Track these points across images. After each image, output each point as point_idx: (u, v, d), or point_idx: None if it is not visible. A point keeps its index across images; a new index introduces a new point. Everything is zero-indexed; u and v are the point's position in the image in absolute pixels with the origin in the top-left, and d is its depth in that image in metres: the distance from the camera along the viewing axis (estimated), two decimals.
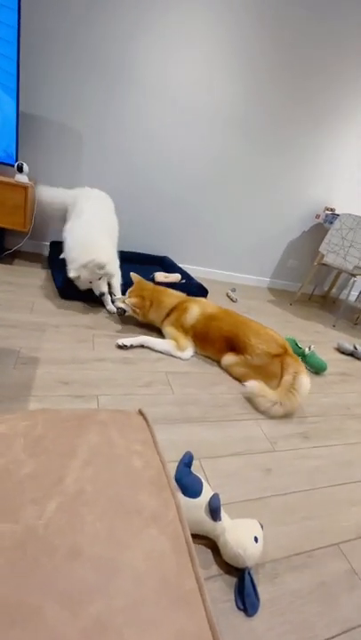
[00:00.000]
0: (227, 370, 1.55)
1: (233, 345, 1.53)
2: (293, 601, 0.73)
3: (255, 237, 3.00)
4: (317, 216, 3.05)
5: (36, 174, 2.19)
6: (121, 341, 1.51)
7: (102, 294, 1.71)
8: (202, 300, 1.75)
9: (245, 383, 1.38)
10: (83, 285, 1.71)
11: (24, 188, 1.89)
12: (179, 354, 1.56)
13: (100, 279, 1.68)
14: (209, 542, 0.79)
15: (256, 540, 0.75)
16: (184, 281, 2.13)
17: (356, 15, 2.32)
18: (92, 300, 1.87)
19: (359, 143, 2.84)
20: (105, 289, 1.70)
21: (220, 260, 3.01)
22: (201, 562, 0.75)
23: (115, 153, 2.29)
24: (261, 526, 0.79)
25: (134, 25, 1.97)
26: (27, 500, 0.29)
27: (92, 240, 1.67)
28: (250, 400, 1.37)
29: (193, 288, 2.11)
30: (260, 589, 0.73)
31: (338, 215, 2.75)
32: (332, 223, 2.82)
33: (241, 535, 0.75)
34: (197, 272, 2.95)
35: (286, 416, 1.34)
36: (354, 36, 2.39)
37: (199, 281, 2.35)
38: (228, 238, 2.92)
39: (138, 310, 1.66)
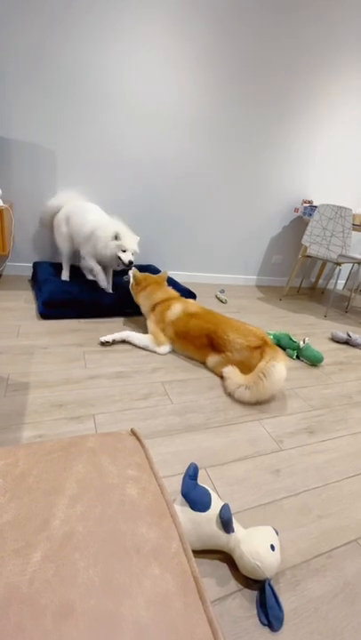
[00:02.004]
0: (213, 371, 1.53)
1: (213, 343, 1.52)
2: (318, 607, 0.69)
3: (237, 237, 3.00)
4: (296, 210, 3.08)
5: (12, 197, 2.16)
6: (103, 338, 1.59)
7: (131, 262, 1.84)
8: (189, 300, 1.76)
9: (223, 369, 1.42)
10: (114, 251, 1.82)
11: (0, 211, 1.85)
12: (156, 348, 1.63)
13: (130, 252, 1.84)
14: (225, 556, 0.76)
15: (273, 548, 0.72)
16: (170, 287, 2.10)
17: (316, 12, 2.37)
18: (77, 315, 1.84)
19: (327, 136, 2.88)
20: (132, 259, 1.85)
21: (206, 263, 3.00)
22: (218, 578, 0.72)
23: (89, 168, 2.27)
24: (277, 532, 0.76)
25: (96, 41, 1.97)
26: (8, 552, 0.25)
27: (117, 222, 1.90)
28: (222, 386, 1.40)
29: (181, 293, 2.09)
30: (282, 599, 0.70)
31: (316, 207, 2.78)
32: (311, 215, 2.84)
33: (257, 545, 0.71)
34: (184, 277, 2.93)
35: (260, 404, 1.34)
36: (317, 32, 2.44)
37: (187, 286, 2.33)
38: (211, 241, 2.91)
39: (135, 285, 1.83)
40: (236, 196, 2.81)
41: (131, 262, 1.83)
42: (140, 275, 1.84)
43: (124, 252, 1.81)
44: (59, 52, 1.93)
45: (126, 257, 1.82)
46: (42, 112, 2.04)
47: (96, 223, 1.88)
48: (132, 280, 1.86)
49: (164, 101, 2.27)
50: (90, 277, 2.13)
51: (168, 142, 2.40)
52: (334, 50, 2.57)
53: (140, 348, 1.65)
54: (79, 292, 1.91)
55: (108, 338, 1.60)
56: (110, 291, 2.02)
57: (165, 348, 1.64)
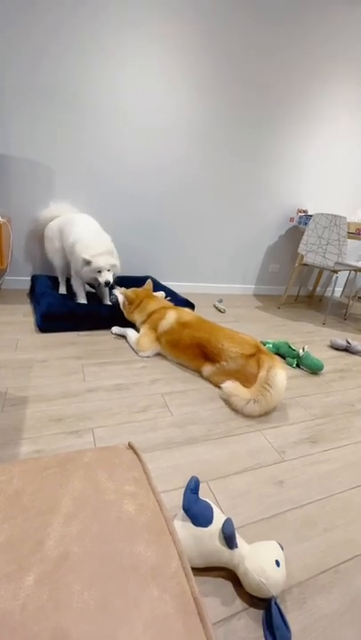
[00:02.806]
0: (209, 381, 1.52)
1: (207, 352, 1.51)
2: (327, 626, 0.67)
3: (234, 247, 3.03)
4: (291, 219, 3.12)
5: (10, 211, 2.18)
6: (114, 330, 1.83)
7: (108, 283, 1.79)
8: (184, 309, 1.76)
9: (222, 385, 1.38)
10: (90, 274, 1.79)
11: None
12: (138, 350, 1.67)
13: (108, 270, 1.79)
14: (228, 574, 0.73)
15: (278, 563, 0.69)
16: (169, 298, 2.11)
17: (308, 28, 2.46)
18: (75, 328, 1.84)
19: (320, 148, 2.95)
20: (111, 279, 1.80)
21: (204, 273, 3.02)
22: (222, 597, 0.69)
23: (86, 181, 2.31)
24: (281, 547, 0.74)
25: (92, 56, 2.03)
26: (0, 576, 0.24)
27: (105, 236, 1.87)
28: (226, 401, 1.36)
29: (179, 304, 2.09)
30: (289, 618, 0.67)
31: (311, 216, 2.81)
32: (306, 224, 2.88)
33: (261, 561, 0.69)
34: (183, 288, 2.94)
35: (266, 414, 1.32)
36: (309, 48, 2.52)
37: (185, 296, 2.34)
38: (208, 251, 2.94)
39: (127, 304, 1.80)
40: (232, 207, 2.85)
41: (108, 283, 1.77)
42: (131, 293, 1.81)
43: (100, 272, 1.76)
44: (55, 68, 1.99)
45: (102, 278, 1.76)
46: (39, 128, 2.08)
47: (76, 236, 1.82)
48: (122, 300, 1.82)
49: (161, 115, 2.32)
50: (89, 290, 2.12)
51: (165, 155, 2.44)
52: (325, 65, 2.66)
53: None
54: (77, 305, 1.91)
55: (115, 330, 1.83)
56: (108, 302, 2.02)
57: (147, 353, 1.66)
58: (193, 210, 2.71)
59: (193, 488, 0.77)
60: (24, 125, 2.05)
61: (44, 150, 2.14)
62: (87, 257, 1.71)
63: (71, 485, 0.33)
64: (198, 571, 0.73)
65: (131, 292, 1.82)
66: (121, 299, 1.83)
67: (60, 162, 2.20)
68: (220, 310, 2.59)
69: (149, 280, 1.93)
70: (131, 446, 0.43)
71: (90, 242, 1.77)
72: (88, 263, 1.72)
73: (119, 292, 1.84)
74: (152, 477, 0.39)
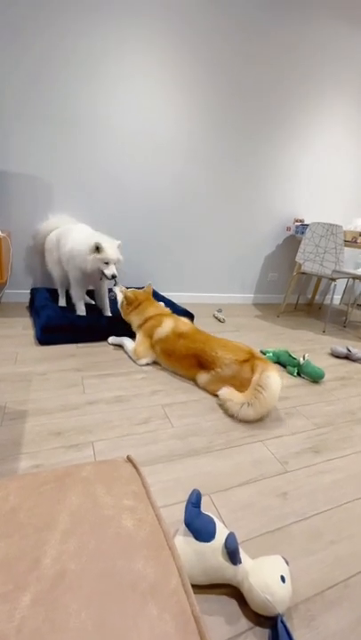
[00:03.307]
0: (205, 389, 1.51)
1: (202, 361, 1.51)
2: None
3: (233, 257, 3.05)
4: (288, 228, 3.15)
5: (10, 225, 2.21)
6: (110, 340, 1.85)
7: (114, 276, 1.76)
8: (181, 318, 1.76)
9: (218, 391, 1.39)
10: (96, 264, 1.74)
11: None
12: (135, 359, 1.68)
13: (113, 264, 1.76)
14: (233, 591, 0.71)
15: (283, 579, 0.68)
16: (168, 309, 2.11)
17: (302, 45, 2.54)
18: (74, 340, 1.83)
19: (313, 157, 3.01)
20: (116, 271, 1.76)
21: (203, 283, 3.03)
22: (226, 616, 0.67)
23: (85, 195, 2.34)
24: (287, 562, 0.72)
25: (90, 72, 2.09)
26: None
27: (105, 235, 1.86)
28: (222, 407, 1.37)
29: (178, 314, 2.09)
30: (296, 637, 0.65)
31: (307, 225, 2.85)
32: (303, 233, 2.91)
33: (266, 577, 0.67)
34: (182, 298, 2.95)
35: (262, 419, 1.31)
36: (304, 64, 2.60)
37: (185, 306, 2.34)
38: (207, 261, 2.96)
39: (125, 305, 1.80)
40: (230, 218, 2.88)
41: (114, 276, 1.74)
42: (130, 294, 1.80)
43: (107, 264, 1.73)
44: (53, 85, 2.04)
45: (109, 271, 1.73)
46: (38, 143, 2.12)
47: (74, 240, 1.83)
48: (121, 299, 1.82)
49: (157, 129, 2.38)
50: (86, 302, 2.11)
51: (164, 167, 2.49)
52: (319, 79, 2.73)
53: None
54: (76, 317, 1.92)
55: (111, 340, 1.85)
56: (108, 314, 2.03)
57: (143, 361, 1.67)
58: (191, 221, 2.75)
59: (195, 502, 0.76)
60: (23, 142, 2.09)
61: (43, 166, 2.18)
62: (100, 242, 1.69)
63: (69, 501, 0.33)
64: (201, 588, 0.71)
65: (130, 292, 1.81)
66: (120, 297, 1.82)
67: (59, 177, 2.24)
68: (219, 320, 2.60)
69: (150, 283, 1.92)
70: (130, 459, 0.42)
71: (96, 237, 1.77)
72: (98, 249, 1.69)
73: (119, 290, 1.83)
74: (151, 491, 0.38)
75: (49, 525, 0.30)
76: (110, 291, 1.86)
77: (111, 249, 1.73)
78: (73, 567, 0.26)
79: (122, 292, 1.82)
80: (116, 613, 0.24)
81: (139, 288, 2.63)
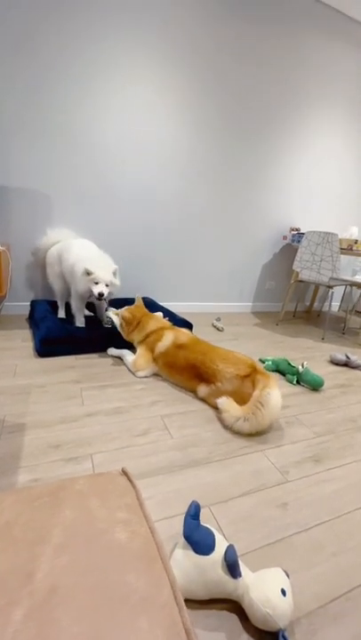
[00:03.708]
0: (205, 402, 1.50)
1: (202, 373, 1.50)
2: None
3: (231, 266, 3.08)
4: (284, 237, 3.19)
5: (10, 238, 2.24)
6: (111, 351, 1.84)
7: (101, 295, 1.74)
8: (181, 329, 1.77)
9: (217, 400, 1.37)
10: (87, 285, 1.77)
11: None
12: (134, 371, 1.68)
13: (106, 285, 1.77)
14: (234, 606, 0.70)
15: (284, 592, 0.67)
16: (167, 318, 2.12)
17: (292, 63, 2.62)
18: (74, 351, 1.84)
19: (308, 169, 3.06)
20: (105, 291, 1.76)
21: (201, 293, 3.05)
22: (227, 632, 0.66)
23: (84, 207, 2.38)
24: (287, 574, 0.71)
25: (89, 85, 2.15)
26: None
27: (107, 257, 1.88)
28: (219, 418, 1.36)
29: (177, 324, 2.10)
30: None
31: (303, 233, 2.88)
32: (299, 242, 2.94)
33: (266, 591, 0.66)
34: (181, 307, 2.97)
35: (258, 433, 1.29)
36: (294, 81, 2.67)
37: (183, 316, 2.35)
38: (205, 271, 2.99)
39: (125, 325, 1.77)
40: (227, 228, 2.92)
41: (101, 294, 1.74)
42: (127, 313, 1.78)
43: (97, 284, 1.75)
44: (52, 100, 2.09)
45: (96, 289, 1.74)
46: (37, 159, 2.17)
47: (76, 258, 1.85)
48: (118, 321, 1.80)
49: (158, 142, 2.43)
50: (85, 314, 2.12)
51: (162, 180, 2.54)
52: (313, 93, 2.81)
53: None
54: (76, 329, 1.93)
55: (110, 352, 1.85)
56: (109, 325, 2.03)
57: (142, 373, 1.67)
58: (188, 231, 2.78)
59: (193, 514, 0.75)
60: (22, 157, 2.14)
61: (42, 180, 2.22)
62: (89, 268, 1.73)
63: (63, 514, 0.33)
64: (202, 603, 0.70)
65: (126, 312, 1.79)
66: (117, 320, 1.81)
67: (58, 190, 2.28)
68: (218, 329, 2.61)
69: (138, 296, 1.90)
70: (124, 472, 0.42)
71: (94, 258, 1.80)
72: (89, 273, 1.73)
73: (112, 314, 1.82)
74: (145, 503, 0.39)
75: (42, 539, 0.30)
76: (106, 317, 1.83)
77: (102, 270, 1.74)
78: (65, 581, 0.27)
79: (117, 314, 1.80)
80: (107, 627, 0.24)
81: (131, 299, 2.65)
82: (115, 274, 1.80)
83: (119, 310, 1.82)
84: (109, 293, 1.83)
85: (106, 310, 1.84)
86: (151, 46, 2.22)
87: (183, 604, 0.27)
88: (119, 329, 1.82)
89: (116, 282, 1.82)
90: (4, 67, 1.95)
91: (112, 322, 1.83)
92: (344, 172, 3.29)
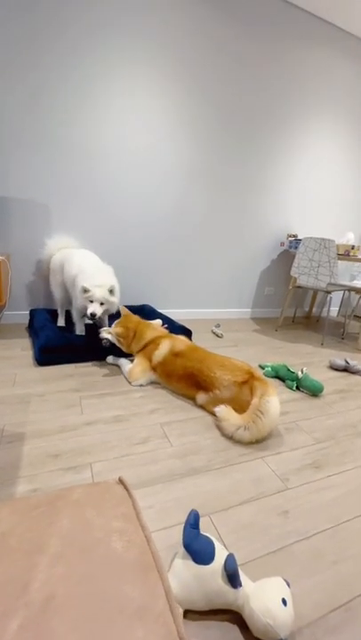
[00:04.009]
0: (205, 409, 1.50)
1: (200, 381, 1.50)
2: None
3: (229, 273, 3.10)
4: (282, 243, 3.22)
5: (9, 248, 2.26)
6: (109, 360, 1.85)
7: (93, 315, 1.75)
8: (178, 337, 1.77)
9: (215, 409, 1.36)
10: (83, 304, 1.79)
11: None
12: (130, 380, 1.67)
13: (101, 304, 1.78)
14: (235, 616, 0.70)
15: (285, 602, 0.66)
16: (166, 325, 2.13)
17: (288, 71, 2.68)
18: (73, 360, 1.84)
19: (304, 177, 3.11)
20: (98, 311, 1.76)
21: (200, 299, 3.07)
22: None
23: (83, 217, 2.41)
24: (288, 584, 0.71)
25: (87, 97, 2.19)
26: None
27: (109, 270, 1.89)
28: (218, 427, 1.34)
29: (176, 331, 2.11)
30: None
31: (300, 240, 2.91)
32: (296, 248, 2.97)
33: (267, 600, 0.66)
34: (180, 314, 2.98)
35: (257, 442, 1.28)
36: (289, 90, 2.73)
37: (183, 322, 2.36)
38: (204, 278, 3.01)
39: (122, 340, 1.75)
40: (225, 235, 2.95)
41: (93, 315, 1.74)
42: (119, 329, 1.75)
43: (92, 302, 1.75)
44: (51, 112, 2.13)
45: (90, 308, 1.74)
46: (36, 169, 2.20)
47: (77, 269, 1.85)
48: (113, 338, 1.76)
49: (157, 151, 2.47)
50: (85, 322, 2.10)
51: (160, 188, 2.57)
52: (309, 103, 2.87)
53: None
54: (75, 337, 1.93)
55: (110, 360, 1.85)
56: (107, 344, 1.98)
57: (138, 382, 1.66)
58: (187, 239, 2.81)
59: (193, 523, 0.75)
60: (22, 168, 2.17)
61: (41, 190, 2.25)
62: (86, 285, 1.73)
63: (59, 524, 0.33)
64: (202, 614, 0.69)
65: (118, 327, 1.75)
66: (111, 337, 1.76)
67: (57, 200, 2.31)
68: (217, 335, 2.61)
69: (122, 306, 1.87)
70: (121, 481, 0.42)
71: (93, 274, 1.79)
72: (86, 291, 1.73)
73: (106, 334, 1.76)
74: (141, 512, 0.39)
75: (39, 549, 0.30)
76: (103, 338, 1.78)
77: (99, 290, 1.73)
78: (61, 591, 0.27)
79: (110, 332, 1.76)
80: (102, 637, 0.24)
81: (135, 307, 2.66)
82: (111, 291, 1.78)
83: (110, 328, 1.78)
84: (105, 311, 1.82)
85: (99, 333, 1.78)
86: (149, 57, 2.27)
87: (178, 613, 0.27)
88: (118, 345, 1.78)
89: (113, 299, 1.79)
90: (4, 78, 1.99)
91: (109, 341, 1.78)
92: (339, 178, 3.33)
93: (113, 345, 1.80)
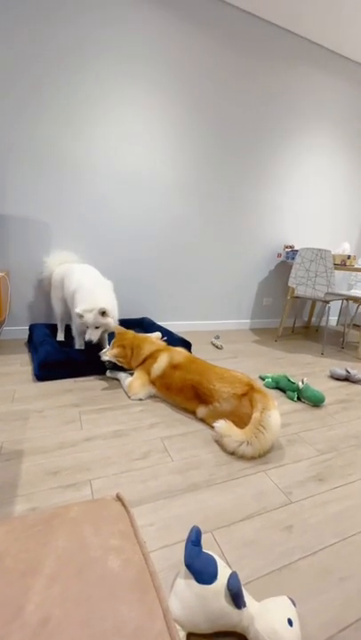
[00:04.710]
0: (205, 422, 1.48)
1: (199, 394, 1.49)
2: None
3: (228, 284, 3.13)
4: (279, 255, 3.26)
5: (9, 265, 2.29)
6: (108, 373, 1.85)
7: (90, 342, 1.78)
8: (176, 349, 1.76)
9: (214, 424, 1.33)
10: (80, 327, 1.84)
11: None
12: (130, 394, 1.65)
13: (97, 328, 1.77)
14: (239, 638, 0.67)
15: (291, 622, 0.64)
16: (165, 338, 2.13)
17: (280, 89, 2.77)
18: (72, 375, 1.84)
19: (299, 189, 3.17)
20: (95, 337, 1.78)
21: (200, 311, 3.08)
22: None
23: (82, 233, 2.44)
24: (294, 603, 0.69)
25: (85, 116, 2.26)
26: None
27: (105, 291, 1.86)
28: (218, 442, 1.31)
29: (176, 343, 2.11)
30: None
31: (297, 251, 2.94)
32: (293, 259, 3.00)
33: (273, 621, 0.64)
34: (179, 326, 2.98)
35: (259, 457, 1.26)
36: (283, 106, 2.82)
37: (182, 334, 2.36)
38: (203, 290, 3.03)
39: (122, 359, 1.74)
40: (223, 248, 2.99)
41: (90, 342, 1.76)
42: (117, 350, 1.72)
43: (88, 327, 1.77)
44: (49, 127, 2.19)
45: (87, 335, 1.76)
46: (35, 186, 2.24)
47: (76, 285, 1.85)
48: (114, 359, 1.75)
49: (153, 166, 2.53)
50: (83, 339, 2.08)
51: (158, 203, 2.62)
52: (302, 117, 2.96)
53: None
54: (75, 352, 1.93)
55: (109, 374, 1.85)
56: (111, 366, 1.92)
57: (137, 396, 1.65)
58: (186, 252, 2.84)
59: (195, 540, 0.73)
60: (21, 185, 2.21)
61: (40, 208, 2.29)
62: (79, 311, 1.72)
63: (55, 543, 0.33)
64: (206, 637, 0.67)
65: (115, 349, 1.73)
66: (112, 359, 1.75)
67: (55, 217, 2.35)
68: (217, 347, 2.61)
69: (116, 326, 1.83)
70: (119, 497, 0.42)
71: (87, 297, 1.77)
72: (80, 317, 1.73)
73: (106, 357, 1.75)
74: (139, 529, 0.38)
75: (34, 570, 0.29)
76: (105, 361, 1.79)
77: (91, 315, 1.72)
78: (57, 613, 0.26)
79: (110, 355, 1.74)
80: None
81: (134, 320, 2.67)
82: (103, 313, 1.73)
83: (107, 351, 1.76)
84: (104, 332, 1.83)
85: (100, 357, 1.77)
86: (148, 74, 2.35)
87: (176, 634, 0.27)
88: (120, 365, 1.77)
89: (106, 321, 1.76)
90: (8, 100, 2.06)
91: (110, 362, 1.78)
92: (334, 190, 3.40)
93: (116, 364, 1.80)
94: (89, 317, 1.72)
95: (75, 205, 2.38)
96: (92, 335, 1.77)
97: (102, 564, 0.31)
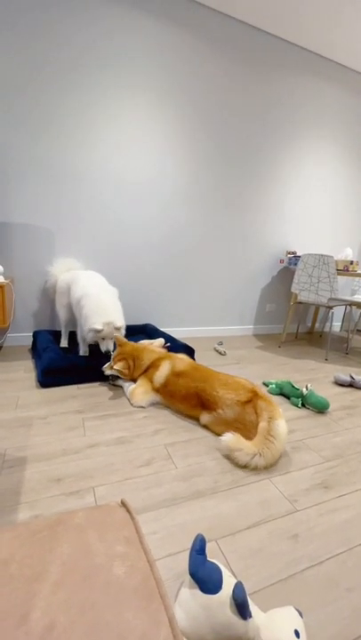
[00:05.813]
0: (209, 429, 1.47)
1: (203, 401, 1.48)
2: None
3: (230, 291, 3.13)
4: (281, 260, 3.26)
5: (13, 272, 2.31)
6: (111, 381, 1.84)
7: (107, 352, 1.83)
8: (178, 356, 1.75)
9: (221, 437, 1.28)
10: (94, 339, 1.85)
11: (1, 287, 1.97)
12: (132, 401, 1.65)
13: (111, 339, 1.83)
14: None
15: (297, 634, 0.63)
16: (169, 344, 2.14)
17: (282, 96, 2.81)
18: (76, 381, 1.84)
19: (301, 195, 3.19)
20: (111, 348, 1.85)
21: (203, 317, 3.08)
22: None
23: (86, 239, 2.47)
24: (300, 614, 0.67)
25: (88, 124, 2.30)
26: None
27: (116, 304, 1.91)
28: (228, 457, 1.27)
29: (179, 349, 2.11)
30: None
31: (299, 256, 2.95)
32: (296, 264, 3.01)
33: (279, 632, 0.63)
34: (182, 333, 2.99)
35: (267, 468, 1.22)
36: (283, 113, 2.86)
37: (185, 341, 2.36)
38: (206, 296, 3.03)
39: (125, 372, 1.73)
40: (225, 254, 3.00)
41: (107, 352, 1.81)
42: (120, 365, 1.71)
43: (103, 339, 1.80)
44: (54, 136, 2.23)
45: (104, 346, 1.82)
46: (38, 194, 2.28)
47: (82, 292, 1.88)
48: (119, 372, 1.74)
49: (158, 175, 2.56)
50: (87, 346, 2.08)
51: (160, 211, 2.64)
52: (303, 124, 2.99)
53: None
54: (78, 358, 1.94)
55: (113, 382, 1.84)
56: (112, 353, 2.01)
57: (139, 404, 1.64)
58: (188, 258, 2.86)
59: (199, 548, 0.72)
60: (24, 193, 2.25)
61: (44, 215, 2.33)
62: (98, 327, 1.74)
63: (60, 550, 0.32)
64: None
65: (118, 363, 1.72)
66: (116, 372, 1.74)
67: (60, 224, 2.38)
68: (220, 353, 2.60)
69: (116, 336, 1.82)
70: (123, 504, 0.42)
71: (98, 308, 1.80)
72: (98, 331, 1.76)
73: (110, 371, 1.76)
74: (144, 536, 0.38)
75: (39, 577, 0.29)
76: (108, 376, 1.82)
77: (108, 327, 1.77)
78: (62, 620, 0.26)
79: (114, 369, 1.73)
80: None
81: (137, 327, 2.67)
82: (118, 318, 1.81)
83: (111, 365, 1.76)
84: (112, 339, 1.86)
85: (103, 372, 1.79)
86: (150, 83, 2.40)
87: None
88: (124, 378, 1.77)
89: (118, 332, 1.82)
90: (12, 111, 2.10)
91: (113, 376, 1.80)
92: (335, 195, 3.42)
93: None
94: (106, 330, 1.77)
95: (78, 214, 2.41)
96: (109, 345, 1.83)
97: (107, 571, 0.31)
